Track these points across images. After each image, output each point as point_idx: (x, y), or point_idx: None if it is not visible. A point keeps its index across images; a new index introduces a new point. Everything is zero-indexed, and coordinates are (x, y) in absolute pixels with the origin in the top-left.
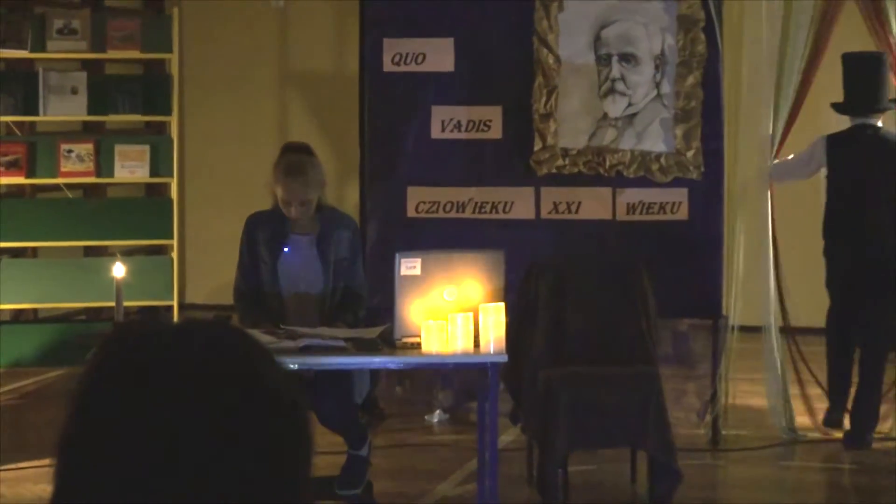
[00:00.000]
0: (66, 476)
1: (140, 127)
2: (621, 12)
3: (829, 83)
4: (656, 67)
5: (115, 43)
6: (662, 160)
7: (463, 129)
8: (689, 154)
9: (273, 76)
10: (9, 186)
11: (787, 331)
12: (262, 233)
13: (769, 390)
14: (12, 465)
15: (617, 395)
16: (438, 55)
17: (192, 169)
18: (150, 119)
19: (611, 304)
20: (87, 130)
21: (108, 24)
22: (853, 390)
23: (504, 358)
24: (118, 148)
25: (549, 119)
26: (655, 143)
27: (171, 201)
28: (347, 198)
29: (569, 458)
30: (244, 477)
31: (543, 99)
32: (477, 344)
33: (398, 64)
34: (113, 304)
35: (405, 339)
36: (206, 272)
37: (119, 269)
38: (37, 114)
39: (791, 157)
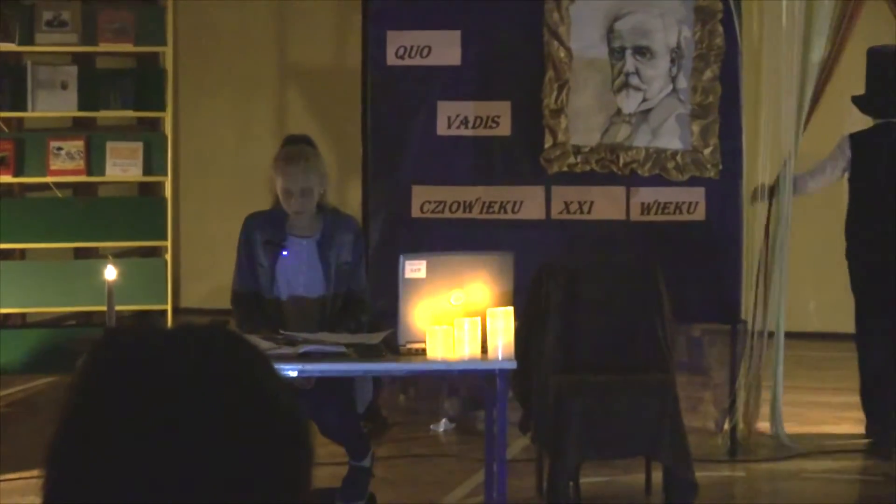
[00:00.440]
0: (56, 489)
1: (133, 123)
2: (636, 4)
3: (852, 78)
4: (672, 61)
5: (106, 36)
6: (678, 158)
7: (470, 125)
8: (707, 152)
9: (272, 70)
10: None
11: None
12: (261, 235)
13: (775, 397)
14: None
15: (631, 404)
16: (445, 48)
17: (187, 167)
18: (143, 115)
19: (624, 308)
20: (77, 127)
21: (100, 15)
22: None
23: (513, 364)
24: (110, 145)
25: (560, 115)
26: (671, 140)
27: (165, 201)
28: (349, 197)
29: (581, 468)
30: (242, 488)
31: (554, 94)
32: (485, 350)
33: (402, 57)
34: (104, 308)
35: (409, 345)
36: (201, 275)
37: (111, 272)
38: (25, 110)
39: (816, 166)
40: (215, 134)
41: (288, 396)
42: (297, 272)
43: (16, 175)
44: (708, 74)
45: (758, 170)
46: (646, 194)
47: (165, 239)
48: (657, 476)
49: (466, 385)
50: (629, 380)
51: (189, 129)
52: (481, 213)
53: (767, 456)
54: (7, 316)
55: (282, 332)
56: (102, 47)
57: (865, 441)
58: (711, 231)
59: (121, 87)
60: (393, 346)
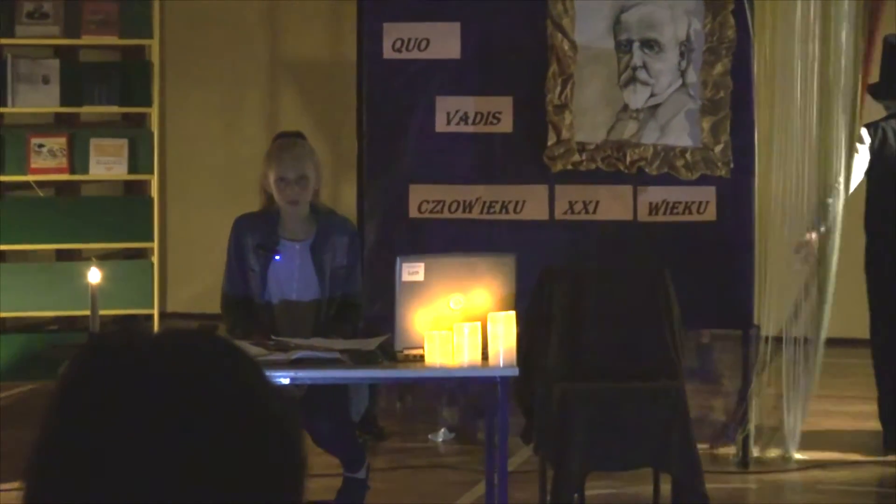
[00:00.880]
0: (37, 502)
1: (117, 119)
2: None
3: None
4: (681, 54)
5: (90, 28)
6: (688, 156)
7: (470, 121)
8: (718, 149)
9: (263, 64)
10: None
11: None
12: (252, 238)
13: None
14: None
15: (638, 413)
16: (443, 41)
17: (174, 165)
18: (128, 111)
19: (632, 312)
20: (59, 123)
21: (83, 7)
22: None
23: (515, 371)
24: (93, 142)
25: (565, 111)
26: (680, 136)
27: (151, 200)
28: (344, 197)
29: (586, 480)
30: (232, 500)
31: (558, 89)
32: (485, 356)
33: (399, 50)
34: (88, 312)
35: (407, 351)
36: (189, 278)
37: (94, 275)
38: (4, 105)
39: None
40: (204, 131)
41: (280, 405)
42: (290, 277)
43: None
44: (719, 68)
45: (771, 168)
46: (654, 194)
47: (152, 240)
48: (665, 488)
49: (466, 393)
50: (636, 388)
51: (176, 125)
52: (482, 213)
53: (781, 467)
54: None
55: (273, 337)
56: (86, 40)
57: (883, 452)
58: (722, 232)
59: (105, 82)
60: (389, 352)
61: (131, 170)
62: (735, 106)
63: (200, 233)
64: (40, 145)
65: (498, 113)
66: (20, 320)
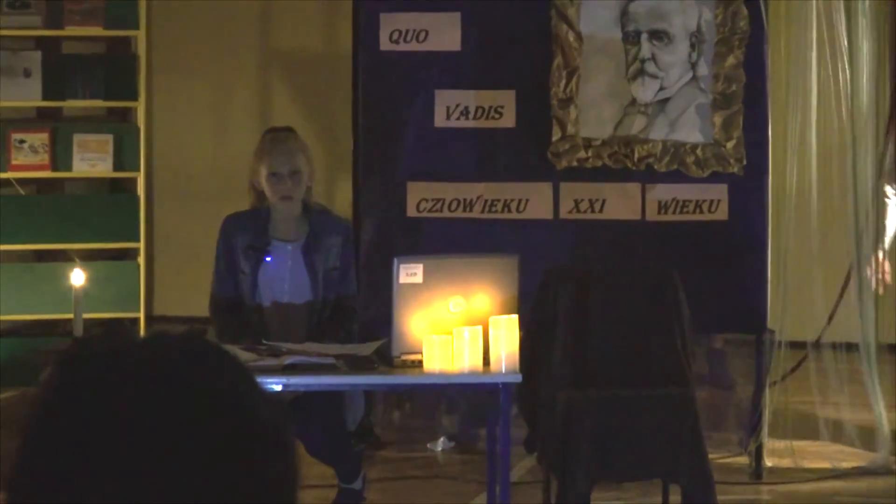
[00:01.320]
0: None
1: (102, 114)
2: None
3: None
4: (692, 46)
5: (74, 18)
6: (699, 152)
7: (471, 116)
8: (730, 145)
9: (254, 56)
10: None
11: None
12: (241, 238)
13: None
14: None
15: (647, 421)
16: (443, 32)
17: (161, 162)
18: (113, 105)
19: (639, 316)
20: (41, 118)
21: None
22: None
23: (518, 378)
24: (77, 138)
25: (570, 105)
26: (691, 132)
27: (137, 199)
28: (339, 195)
29: (592, 492)
30: None
31: (563, 82)
32: (487, 362)
33: (397, 42)
34: (71, 315)
35: (404, 357)
36: (177, 279)
37: (78, 276)
38: None
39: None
40: (192, 126)
41: (272, 412)
42: (282, 279)
43: None
44: (731, 60)
45: (785, 166)
46: (663, 192)
47: (138, 240)
48: (675, 500)
49: (467, 400)
50: (645, 395)
51: (164, 120)
52: (483, 212)
53: (796, 478)
54: None
55: (265, 342)
56: (69, 31)
57: None
58: (735, 232)
59: (89, 75)
60: (386, 357)
61: (116, 167)
62: (748, 100)
63: (189, 232)
64: (21, 141)
65: (500, 107)
66: (0, 324)
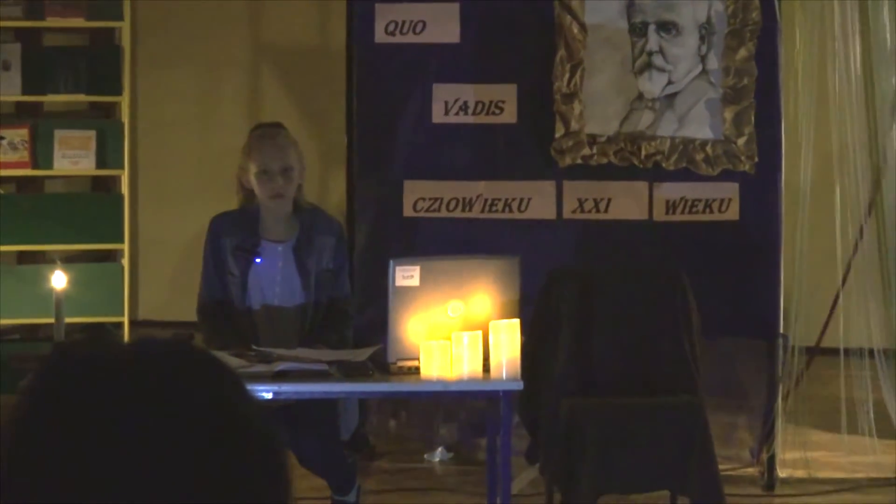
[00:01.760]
0: None
1: (84, 109)
2: None
3: None
4: (701, 38)
5: (55, 9)
6: (708, 149)
7: (470, 111)
8: (741, 142)
9: (244, 49)
10: None
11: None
12: (230, 239)
13: None
14: None
15: (654, 430)
16: (441, 23)
17: (146, 159)
18: (96, 100)
19: (646, 320)
20: (21, 113)
21: None
22: None
23: (519, 385)
24: (58, 134)
25: (574, 100)
26: (700, 128)
27: (121, 198)
28: (332, 194)
29: None
30: None
31: (566, 76)
32: (487, 368)
33: (393, 34)
34: (52, 320)
35: (401, 363)
36: (162, 282)
37: (59, 279)
38: None
39: None
40: (179, 122)
41: (262, 421)
42: (272, 281)
43: None
44: (742, 53)
45: (799, 163)
46: (671, 190)
47: (122, 241)
48: None
49: (466, 409)
50: (652, 403)
51: (149, 115)
52: (483, 211)
53: (810, 489)
54: None
55: (255, 347)
56: (50, 22)
57: None
58: (746, 232)
59: (71, 68)
60: (382, 363)
61: (100, 164)
62: (760, 94)
63: (175, 233)
64: (0, 137)
65: (501, 102)
66: None
